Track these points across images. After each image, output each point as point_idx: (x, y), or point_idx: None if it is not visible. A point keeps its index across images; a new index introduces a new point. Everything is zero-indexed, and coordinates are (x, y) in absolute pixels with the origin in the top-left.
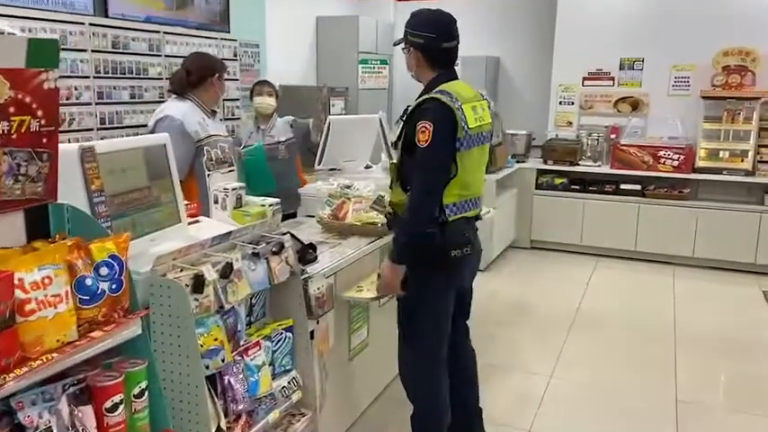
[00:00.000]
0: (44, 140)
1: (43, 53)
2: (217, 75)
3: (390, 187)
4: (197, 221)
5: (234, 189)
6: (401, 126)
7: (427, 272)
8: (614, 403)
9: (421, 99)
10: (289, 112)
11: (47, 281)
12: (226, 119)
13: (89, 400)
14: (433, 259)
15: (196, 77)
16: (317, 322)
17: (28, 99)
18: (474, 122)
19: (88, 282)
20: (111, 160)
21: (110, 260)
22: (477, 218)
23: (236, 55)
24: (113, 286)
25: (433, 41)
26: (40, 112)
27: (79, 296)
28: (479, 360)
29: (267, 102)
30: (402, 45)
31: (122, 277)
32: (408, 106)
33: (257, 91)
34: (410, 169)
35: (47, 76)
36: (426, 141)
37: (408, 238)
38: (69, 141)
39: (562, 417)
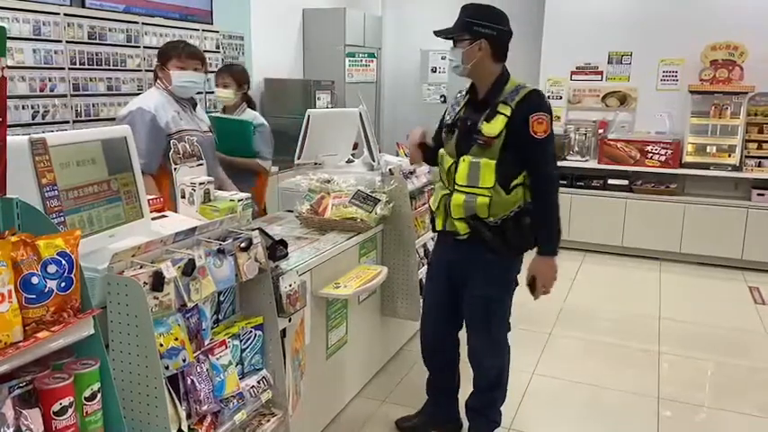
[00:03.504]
0: None
1: None
2: (165, 61)
3: (478, 188)
4: (163, 216)
5: (202, 183)
6: (502, 123)
7: (518, 257)
8: (596, 399)
9: (525, 92)
10: (274, 105)
11: None
12: (208, 112)
13: (36, 403)
14: (522, 245)
15: (157, 65)
16: (290, 320)
17: None
18: None
19: (34, 280)
20: (65, 153)
21: (58, 257)
22: None
23: (218, 47)
24: (62, 284)
25: (505, 35)
26: None
27: (25, 295)
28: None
29: (222, 94)
30: (462, 36)
31: (72, 275)
32: (507, 104)
33: (215, 81)
34: (511, 166)
35: None
36: (545, 132)
37: (558, 226)
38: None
39: (544, 413)
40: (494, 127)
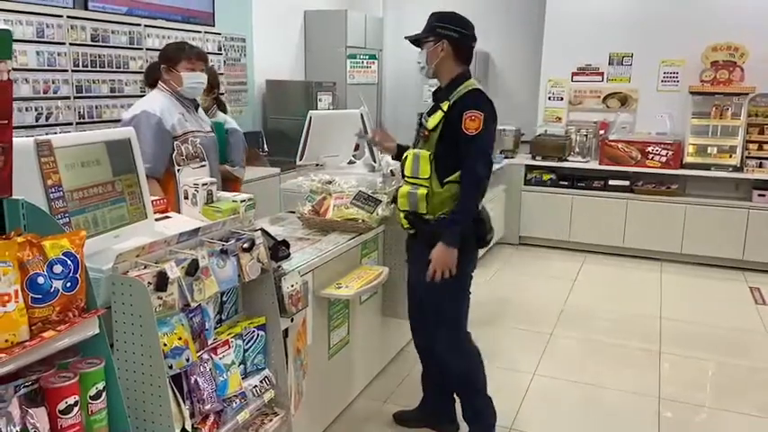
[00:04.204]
0: None
1: None
2: (174, 63)
3: (419, 179)
4: (166, 217)
5: (204, 184)
6: (440, 116)
7: (467, 254)
8: (597, 400)
9: (462, 89)
10: (276, 106)
11: None
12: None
13: (42, 402)
14: (474, 242)
15: (164, 67)
16: (292, 320)
17: None
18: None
19: (40, 280)
20: (70, 154)
21: (64, 258)
22: None
23: (220, 49)
24: (68, 284)
25: (466, 38)
26: None
27: (31, 295)
28: None
29: None
30: (427, 38)
31: (78, 275)
32: (441, 98)
33: None
34: (448, 160)
35: None
36: (477, 129)
37: (466, 221)
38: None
39: (545, 413)
40: (432, 121)
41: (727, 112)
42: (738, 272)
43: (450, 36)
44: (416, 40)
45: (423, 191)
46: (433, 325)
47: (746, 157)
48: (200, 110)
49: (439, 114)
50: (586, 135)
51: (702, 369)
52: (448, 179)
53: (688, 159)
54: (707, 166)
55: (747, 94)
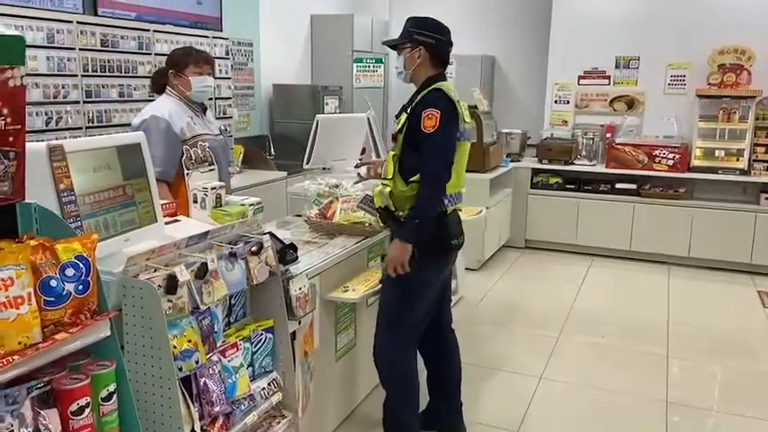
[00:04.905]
0: (10, 139)
1: (8, 50)
2: (182, 68)
3: (386, 179)
4: (176, 221)
5: (213, 188)
6: (404, 118)
7: (426, 258)
8: (604, 404)
9: (425, 91)
10: (283, 110)
11: (8, 282)
12: (217, 118)
13: (54, 404)
14: (434, 246)
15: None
16: (299, 323)
17: None
18: (467, 117)
19: (53, 283)
20: (82, 159)
21: (76, 261)
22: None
23: (228, 53)
24: (80, 287)
25: (442, 43)
26: (5, 111)
27: (44, 297)
28: (469, 359)
29: None
30: (404, 45)
31: (89, 278)
32: (410, 102)
33: None
34: (413, 161)
35: (12, 74)
36: (434, 127)
37: (421, 219)
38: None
39: (551, 418)
40: (399, 123)
41: (735, 116)
42: (746, 275)
43: (426, 42)
44: (394, 45)
45: (387, 188)
46: (380, 325)
47: (754, 161)
48: (209, 113)
49: (404, 117)
50: (593, 138)
51: (710, 373)
52: (412, 179)
53: (695, 163)
54: (714, 170)
55: (755, 97)
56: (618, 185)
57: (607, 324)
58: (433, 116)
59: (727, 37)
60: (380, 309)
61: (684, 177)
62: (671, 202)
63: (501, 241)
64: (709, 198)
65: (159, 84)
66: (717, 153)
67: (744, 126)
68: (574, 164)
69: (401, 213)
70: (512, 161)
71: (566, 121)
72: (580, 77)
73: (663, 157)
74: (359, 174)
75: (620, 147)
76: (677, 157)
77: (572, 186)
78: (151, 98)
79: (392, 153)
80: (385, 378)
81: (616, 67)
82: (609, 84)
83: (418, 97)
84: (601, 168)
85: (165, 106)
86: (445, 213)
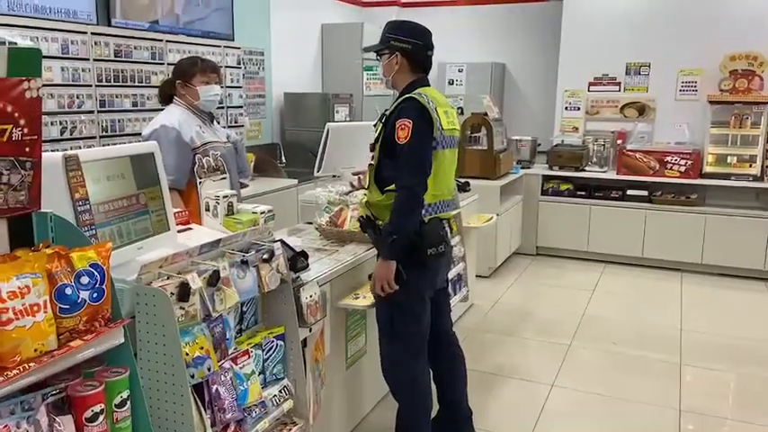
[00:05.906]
0: (27, 149)
1: (25, 62)
2: (189, 78)
3: (367, 188)
4: (188, 229)
5: (225, 197)
6: (379, 128)
7: (411, 270)
8: (617, 412)
9: (401, 98)
10: (294, 118)
11: (25, 290)
12: (229, 126)
13: (69, 410)
14: (412, 258)
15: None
16: (310, 330)
17: (9, 108)
18: (447, 125)
19: (68, 291)
20: (96, 168)
21: (91, 269)
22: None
23: (240, 63)
24: (94, 295)
25: (419, 48)
26: (22, 121)
27: (59, 305)
28: (480, 367)
29: None
30: (382, 51)
31: (104, 286)
32: (386, 110)
33: None
34: (389, 170)
35: (29, 85)
36: (406, 138)
37: (397, 233)
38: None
39: (563, 426)
40: (376, 131)
41: (747, 122)
42: (760, 282)
43: (402, 48)
44: (376, 51)
45: (365, 197)
46: (382, 340)
47: (766, 167)
48: (215, 121)
49: (380, 126)
50: (604, 145)
51: (724, 381)
52: (388, 188)
53: (707, 169)
54: (726, 176)
55: (767, 103)
56: (629, 192)
57: (619, 331)
58: (405, 126)
59: (739, 43)
60: (377, 322)
61: (696, 184)
62: (683, 209)
63: (512, 248)
64: (722, 204)
65: (167, 94)
66: (729, 159)
67: (756, 132)
68: (585, 170)
69: (380, 222)
70: (522, 168)
71: (576, 128)
72: (590, 84)
73: (674, 164)
74: (351, 183)
75: (631, 153)
76: (689, 163)
77: (583, 193)
78: (163, 107)
79: (370, 163)
80: (393, 388)
81: (626, 73)
82: (619, 90)
83: (393, 106)
84: (612, 175)
85: (174, 115)
86: (421, 223)
